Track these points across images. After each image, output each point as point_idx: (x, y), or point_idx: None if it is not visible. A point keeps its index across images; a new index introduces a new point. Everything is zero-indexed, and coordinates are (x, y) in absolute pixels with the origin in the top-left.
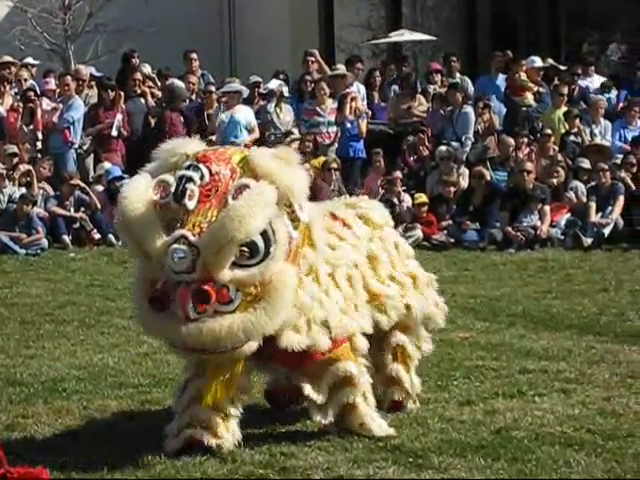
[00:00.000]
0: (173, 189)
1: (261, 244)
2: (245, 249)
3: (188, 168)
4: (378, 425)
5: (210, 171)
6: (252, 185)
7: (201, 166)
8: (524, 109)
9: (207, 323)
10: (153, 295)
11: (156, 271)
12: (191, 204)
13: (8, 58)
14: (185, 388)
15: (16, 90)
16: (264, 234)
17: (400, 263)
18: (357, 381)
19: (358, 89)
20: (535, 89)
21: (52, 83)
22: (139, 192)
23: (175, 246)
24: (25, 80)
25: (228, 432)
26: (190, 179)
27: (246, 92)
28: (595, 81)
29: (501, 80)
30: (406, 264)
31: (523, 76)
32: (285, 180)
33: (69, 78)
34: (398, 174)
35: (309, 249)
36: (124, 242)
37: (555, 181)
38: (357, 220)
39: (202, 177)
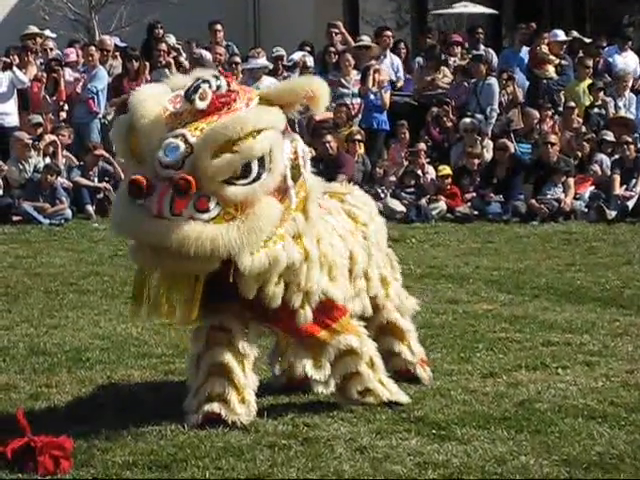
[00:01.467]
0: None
1: (255, 167)
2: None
3: (211, 76)
4: (388, 390)
5: (229, 85)
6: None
7: (222, 78)
8: (544, 82)
9: (177, 223)
10: (134, 179)
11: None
12: (201, 104)
13: (33, 29)
14: (198, 363)
15: (42, 60)
16: (261, 159)
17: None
18: (360, 351)
19: (391, 60)
20: (557, 62)
21: (73, 54)
22: (154, 92)
23: (171, 139)
24: (51, 50)
25: (244, 405)
26: (207, 81)
27: (270, 66)
28: (630, 57)
29: (525, 53)
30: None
31: (545, 49)
32: (301, 85)
33: (93, 48)
34: (422, 146)
35: (301, 215)
36: (117, 139)
37: (579, 154)
38: (341, 213)
39: (219, 87)
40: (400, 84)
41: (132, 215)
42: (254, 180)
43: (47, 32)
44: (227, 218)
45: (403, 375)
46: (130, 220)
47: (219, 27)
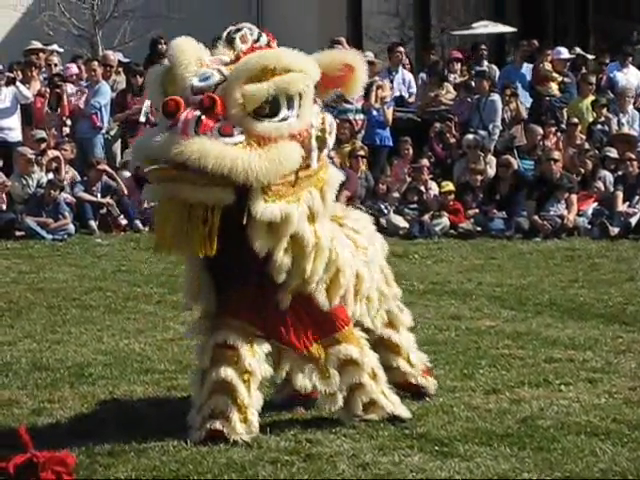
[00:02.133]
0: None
1: (284, 108)
2: (267, 105)
3: (251, 27)
4: (391, 402)
5: (269, 41)
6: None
7: (264, 34)
8: (547, 99)
9: (199, 139)
10: (172, 97)
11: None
12: (242, 46)
13: (37, 44)
14: (203, 379)
15: (46, 75)
16: (290, 101)
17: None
18: (360, 362)
19: (403, 75)
20: (560, 79)
21: (74, 68)
22: (194, 45)
23: (205, 69)
24: (55, 65)
25: (245, 425)
26: (250, 29)
27: None
28: (631, 73)
29: (526, 69)
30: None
31: (548, 66)
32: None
33: (96, 63)
34: (425, 162)
35: (317, 193)
36: (153, 85)
37: (582, 170)
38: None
39: (259, 38)
40: (412, 99)
41: (158, 137)
42: (281, 121)
43: (55, 46)
44: (249, 146)
45: (405, 388)
46: (153, 142)
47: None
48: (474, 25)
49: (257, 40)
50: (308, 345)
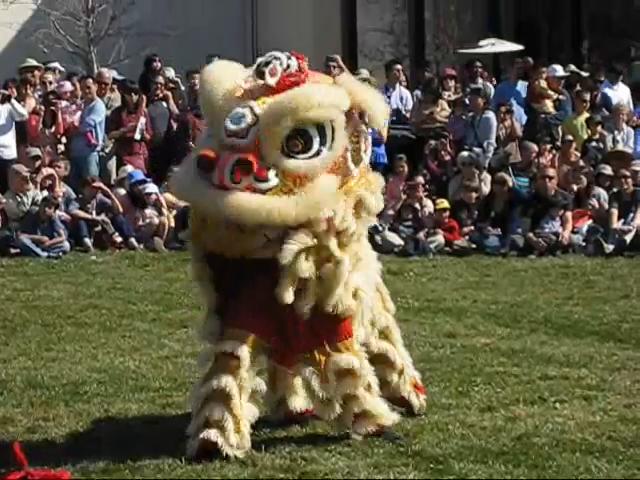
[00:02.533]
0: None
1: (316, 142)
2: (300, 140)
3: (282, 55)
4: (381, 414)
5: (299, 65)
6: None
7: (293, 58)
8: (542, 116)
9: (236, 194)
10: (204, 154)
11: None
12: (271, 80)
13: (32, 62)
14: (202, 386)
15: (40, 93)
16: (322, 133)
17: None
18: (359, 373)
19: (400, 93)
20: (555, 97)
21: (68, 85)
22: (229, 70)
23: (238, 109)
24: (50, 83)
25: (238, 436)
26: (278, 59)
27: None
28: (621, 90)
29: (521, 86)
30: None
31: (543, 84)
32: (368, 100)
33: (90, 81)
34: (420, 180)
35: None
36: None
37: (577, 187)
38: None
39: (289, 66)
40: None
41: (196, 184)
42: (314, 155)
43: (56, 64)
44: (285, 190)
45: (396, 402)
46: (193, 189)
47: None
48: (481, 43)
49: (288, 67)
50: (312, 347)
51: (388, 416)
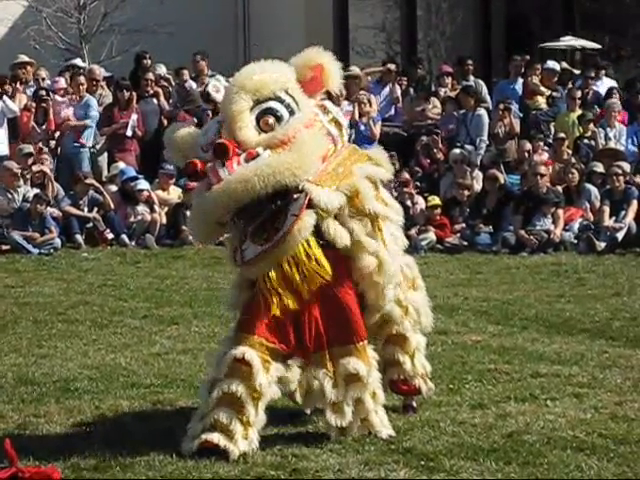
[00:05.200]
0: None
1: (285, 111)
2: (269, 116)
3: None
4: (380, 421)
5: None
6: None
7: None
8: (534, 112)
9: (232, 175)
10: (189, 161)
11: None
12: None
13: (24, 57)
14: (212, 389)
15: (34, 89)
16: (287, 105)
17: None
18: (365, 380)
19: (392, 91)
20: (547, 93)
21: (62, 82)
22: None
23: (207, 125)
24: (43, 79)
25: (246, 440)
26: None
27: None
28: (604, 86)
29: (520, 84)
30: None
31: (536, 80)
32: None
33: (82, 78)
34: (406, 175)
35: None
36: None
37: (568, 185)
38: None
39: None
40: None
41: (204, 195)
42: (291, 114)
43: (78, 61)
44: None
45: (398, 388)
46: (201, 204)
47: (197, 58)
48: (562, 39)
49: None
50: (324, 348)
51: (383, 429)
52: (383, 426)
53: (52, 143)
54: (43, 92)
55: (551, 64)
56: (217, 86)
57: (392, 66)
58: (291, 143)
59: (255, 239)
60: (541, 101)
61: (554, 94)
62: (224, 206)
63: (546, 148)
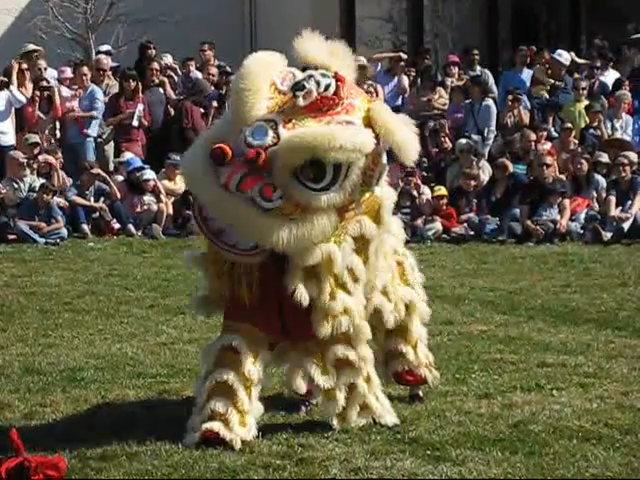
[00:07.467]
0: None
1: (329, 177)
2: (313, 171)
3: (321, 74)
4: (381, 405)
5: (337, 90)
6: (357, 125)
7: (332, 80)
8: (537, 102)
9: (238, 204)
10: (221, 147)
11: (231, 134)
12: (302, 101)
13: (32, 46)
14: (205, 380)
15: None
16: (337, 171)
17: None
18: (357, 366)
19: (400, 82)
20: (552, 82)
21: (69, 72)
22: (266, 65)
23: (262, 123)
24: (45, 69)
25: (244, 428)
26: (317, 82)
27: None
28: (611, 77)
29: (526, 74)
30: None
31: (542, 69)
32: (398, 136)
33: (86, 68)
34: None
35: (369, 220)
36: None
37: (575, 175)
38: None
39: (327, 88)
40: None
41: (202, 175)
42: (323, 189)
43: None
44: (284, 213)
45: (404, 379)
46: (199, 179)
47: (205, 47)
48: None
49: (326, 89)
50: (307, 337)
51: (387, 411)
52: (386, 412)
53: (58, 133)
54: (49, 81)
55: (562, 56)
56: (310, 94)
57: (403, 55)
58: (303, 214)
59: None
60: (545, 91)
61: (557, 83)
62: (206, 207)
63: (546, 135)
